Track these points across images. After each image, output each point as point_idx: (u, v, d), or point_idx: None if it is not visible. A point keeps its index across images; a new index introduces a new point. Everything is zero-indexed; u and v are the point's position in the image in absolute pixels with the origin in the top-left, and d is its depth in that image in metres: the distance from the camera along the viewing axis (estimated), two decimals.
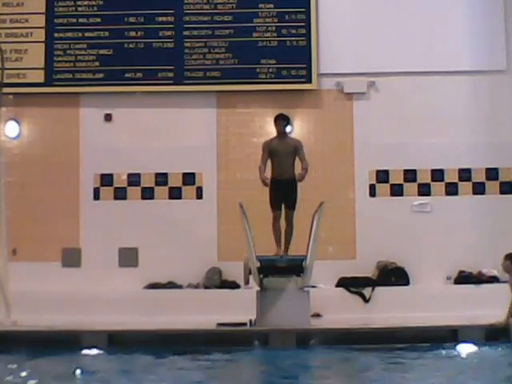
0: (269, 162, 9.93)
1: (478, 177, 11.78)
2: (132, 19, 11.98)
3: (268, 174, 9.88)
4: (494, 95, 11.82)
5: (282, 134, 10.01)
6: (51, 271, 11.45)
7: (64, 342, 8.59)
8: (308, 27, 11.83)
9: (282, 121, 10.04)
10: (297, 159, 9.92)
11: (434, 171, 11.80)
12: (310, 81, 11.79)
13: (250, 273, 9.65)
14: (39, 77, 11.91)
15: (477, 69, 11.83)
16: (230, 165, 11.75)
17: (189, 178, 11.85)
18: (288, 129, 10.43)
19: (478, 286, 11.10)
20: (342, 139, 11.83)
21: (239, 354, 8.41)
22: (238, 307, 9.76)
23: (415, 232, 11.61)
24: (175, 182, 11.85)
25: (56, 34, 11.99)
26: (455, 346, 8.52)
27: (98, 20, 12.00)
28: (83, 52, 11.96)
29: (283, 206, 9.88)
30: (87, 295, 10.93)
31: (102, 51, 11.95)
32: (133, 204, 11.82)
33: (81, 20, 12.02)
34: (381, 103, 11.86)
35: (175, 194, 11.84)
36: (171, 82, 11.88)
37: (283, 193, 9.84)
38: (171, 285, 11.42)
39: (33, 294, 10.61)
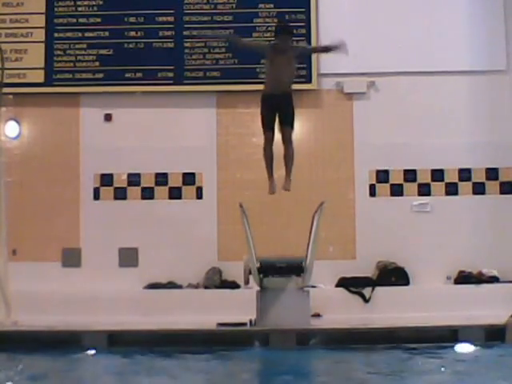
0: None
1: (478, 177, 11.78)
2: (132, 19, 11.97)
3: None
4: (494, 95, 11.82)
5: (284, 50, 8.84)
6: (51, 271, 11.45)
7: (64, 342, 8.59)
8: (308, 27, 11.82)
9: (286, 37, 8.86)
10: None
11: (434, 171, 11.80)
12: (310, 81, 11.79)
13: (250, 273, 9.65)
14: (39, 77, 11.91)
15: (477, 69, 11.82)
16: (229, 165, 11.75)
17: (189, 178, 11.85)
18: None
19: (478, 286, 11.09)
20: (342, 139, 11.83)
21: (239, 354, 8.41)
22: (238, 307, 9.75)
23: (415, 232, 11.61)
24: (175, 181, 11.85)
25: (56, 34, 11.98)
26: (455, 346, 8.52)
27: (98, 20, 12.00)
28: (83, 52, 11.96)
29: (279, 124, 8.84)
30: (87, 295, 10.92)
31: (101, 51, 11.95)
32: (133, 204, 11.82)
33: (81, 20, 12.01)
34: (381, 103, 11.86)
35: (175, 193, 11.84)
36: (171, 82, 11.88)
37: (278, 107, 8.83)
38: (171, 285, 11.42)
39: (33, 294, 10.60)
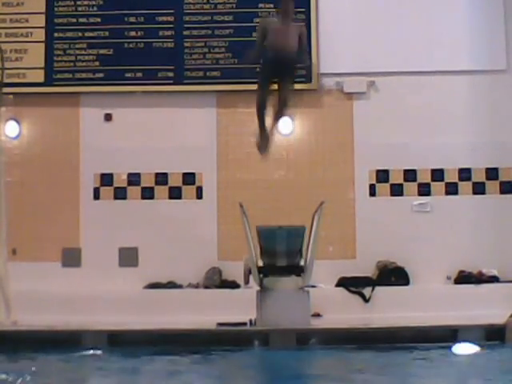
0: None
1: (478, 177, 11.78)
2: (132, 19, 11.97)
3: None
4: (494, 95, 11.81)
5: (287, 18, 8.64)
6: (51, 271, 11.44)
7: (64, 342, 8.60)
8: (308, 27, 11.79)
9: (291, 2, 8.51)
10: None
11: (434, 171, 11.80)
12: (310, 81, 11.78)
13: (250, 273, 9.65)
14: (39, 77, 11.91)
15: (477, 69, 11.82)
16: (229, 165, 11.74)
17: (189, 178, 11.85)
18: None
19: (478, 286, 11.09)
20: (342, 139, 11.82)
21: (239, 354, 8.41)
22: (238, 307, 9.75)
23: (415, 232, 11.60)
24: (175, 181, 11.84)
25: (56, 34, 11.98)
26: (455, 346, 8.51)
27: (98, 20, 12.00)
28: (83, 52, 11.96)
29: (278, 80, 8.48)
30: (87, 295, 10.92)
31: (102, 51, 11.95)
32: (133, 204, 11.82)
33: (81, 20, 12.01)
34: (381, 103, 11.85)
35: (175, 193, 11.84)
36: (171, 81, 11.88)
37: (280, 65, 8.52)
38: (171, 285, 11.41)
39: (33, 294, 10.59)
